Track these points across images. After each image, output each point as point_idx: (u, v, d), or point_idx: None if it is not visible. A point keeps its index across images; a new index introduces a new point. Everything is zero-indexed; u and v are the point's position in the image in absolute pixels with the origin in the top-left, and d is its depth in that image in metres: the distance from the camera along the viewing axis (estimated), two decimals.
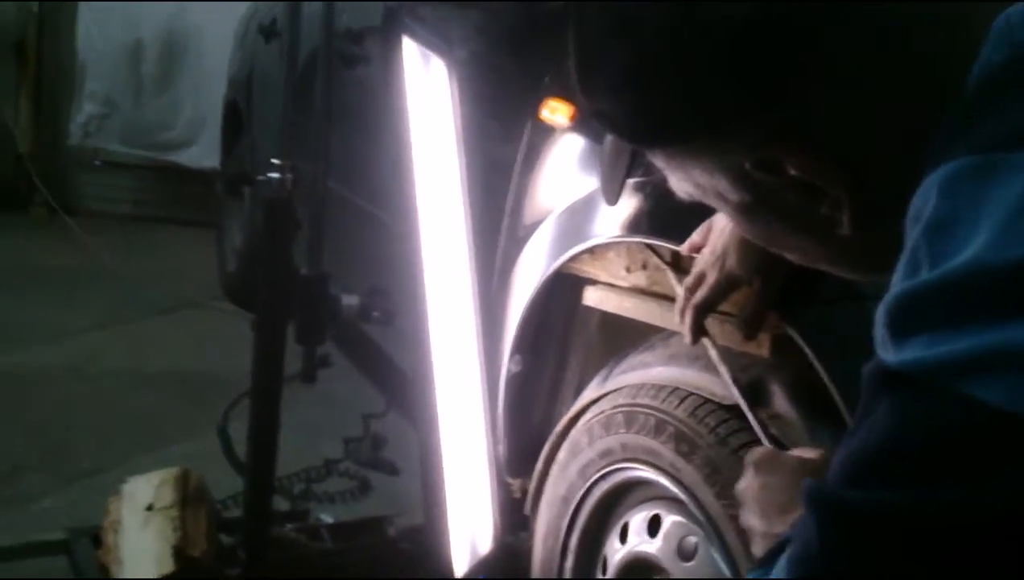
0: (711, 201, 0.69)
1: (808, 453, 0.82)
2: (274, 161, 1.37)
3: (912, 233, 0.54)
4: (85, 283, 3.88)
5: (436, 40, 1.49)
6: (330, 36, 1.51)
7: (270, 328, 1.44)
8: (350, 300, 1.49)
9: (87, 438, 2.53)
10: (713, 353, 1.08)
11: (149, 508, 1.64)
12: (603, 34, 0.64)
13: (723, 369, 1.08)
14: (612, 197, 0.79)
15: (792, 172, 0.61)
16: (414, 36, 1.43)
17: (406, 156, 1.45)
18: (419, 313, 1.47)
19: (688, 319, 1.06)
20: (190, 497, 1.69)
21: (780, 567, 0.55)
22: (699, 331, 1.07)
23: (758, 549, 0.78)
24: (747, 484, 0.82)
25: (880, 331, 0.53)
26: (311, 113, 1.63)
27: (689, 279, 1.06)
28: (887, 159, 0.60)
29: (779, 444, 1.07)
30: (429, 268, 1.50)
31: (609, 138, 0.76)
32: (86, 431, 2.57)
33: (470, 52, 1.59)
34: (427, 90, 1.50)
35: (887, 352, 0.52)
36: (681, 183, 0.69)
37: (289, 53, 1.42)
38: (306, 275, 1.46)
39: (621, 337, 1.54)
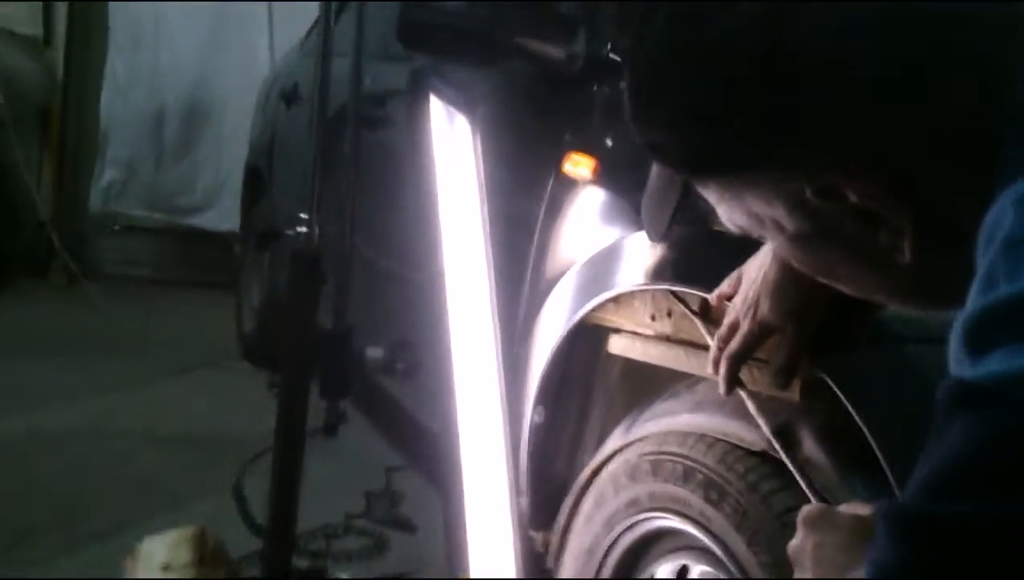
0: (765, 232, 0.69)
1: (861, 509, 0.79)
2: (302, 215, 1.39)
3: (987, 251, 0.54)
4: (103, 347, 3.90)
5: (460, 98, 1.53)
6: (359, 87, 1.54)
7: (294, 383, 1.45)
8: (374, 352, 1.49)
9: (102, 499, 2.51)
10: (750, 404, 1.08)
11: (165, 568, 1.63)
12: (660, 66, 0.65)
13: (761, 419, 1.07)
14: (658, 233, 0.79)
15: (853, 199, 0.61)
16: (440, 94, 1.47)
17: (433, 210, 1.47)
18: (444, 366, 1.48)
19: (723, 369, 1.06)
20: (207, 556, 1.68)
21: None
22: (734, 381, 1.07)
23: None
24: (801, 543, 0.79)
25: (956, 348, 0.53)
26: (337, 170, 1.66)
27: (722, 329, 1.06)
28: (951, 187, 0.60)
29: (811, 489, 1.07)
30: (454, 321, 1.51)
31: (656, 172, 0.76)
32: (101, 492, 2.56)
33: (492, 110, 1.63)
34: (452, 147, 1.53)
35: (964, 368, 0.52)
36: (734, 214, 0.69)
37: (318, 106, 1.45)
38: (331, 329, 1.47)
39: (643, 388, 1.54)
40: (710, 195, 0.70)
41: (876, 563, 0.53)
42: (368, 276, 2.00)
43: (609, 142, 1.48)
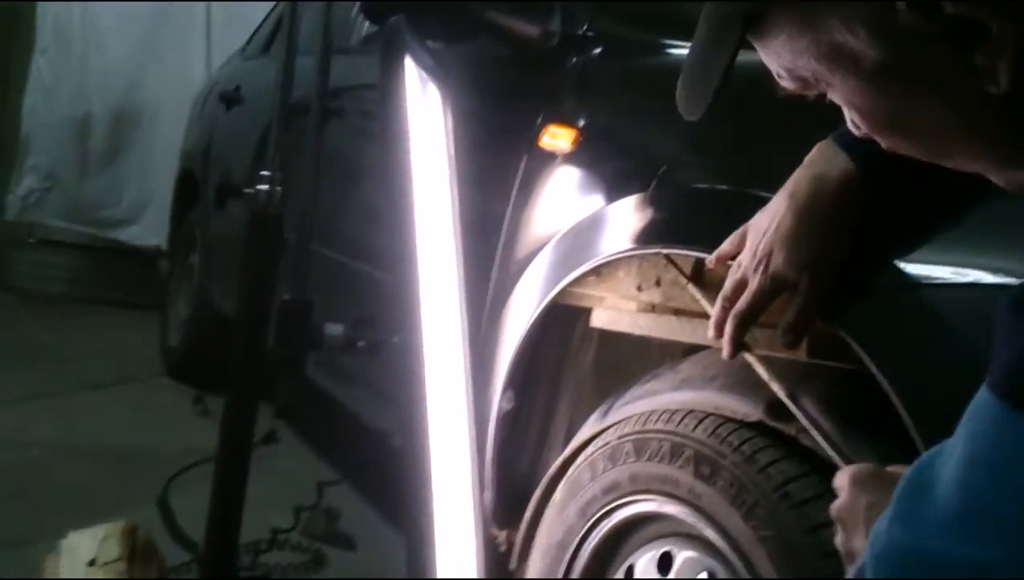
0: (835, 76, 0.62)
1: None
2: (263, 172, 1.29)
3: None
4: (14, 358, 3.67)
5: (433, 63, 1.46)
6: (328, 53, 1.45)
7: (248, 354, 1.33)
8: (334, 329, 1.39)
9: (14, 509, 2.33)
10: (759, 366, 1.01)
11: (92, 563, 1.48)
12: None
13: (774, 383, 1.00)
14: (700, 105, 0.69)
15: (950, 9, 0.55)
16: (414, 56, 1.40)
17: (401, 184, 1.39)
18: (408, 347, 1.39)
19: (729, 330, 0.99)
20: (138, 553, 1.53)
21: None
22: (739, 344, 1.00)
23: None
24: (849, 504, 0.74)
25: None
26: (295, 159, 1.56)
27: (727, 288, 0.99)
28: None
29: (811, 455, 1.01)
30: (419, 301, 1.42)
31: (702, 32, 0.69)
32: (13, 502, 2.37)
33: (463, 81, 1.56)
34: (423, 116, 1.46)
35: None
36: (800, 59, 0.62)
37: (286, 59, 1.36)
38: (289, 299, 1.37)
39: (615, 377, 1.47)
40: (778, 35, 0.63)
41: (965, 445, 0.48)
42: (327, 266, 1.90)
43: (588, 115, 1.42)
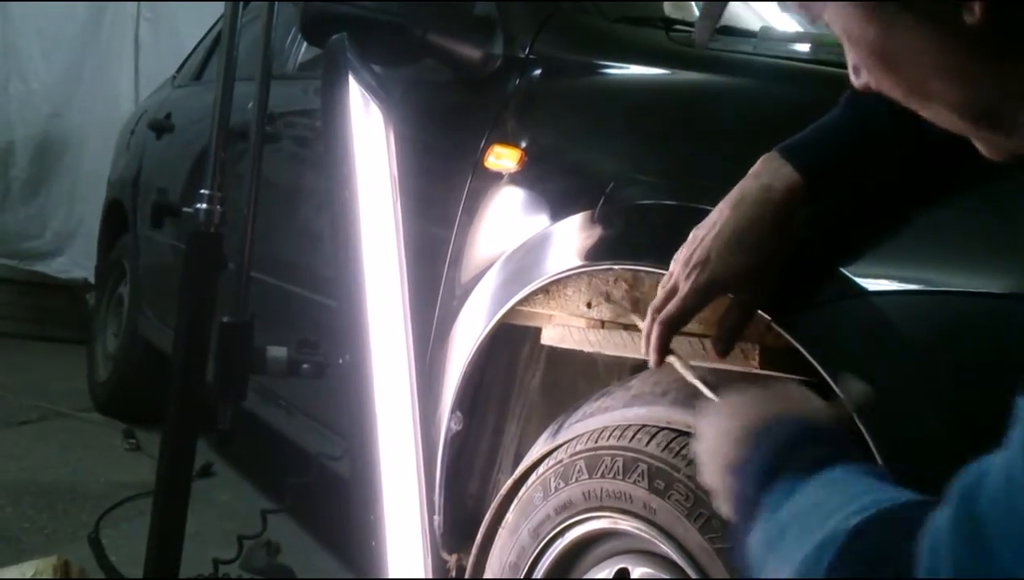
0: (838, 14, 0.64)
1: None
2: (202, 191, 1.26)
3: None
4: None
5: (375, 83, 1.45)
6: (268, 77, 1.43)
7: (188, 376, 1.29)
8: (277, 352, 1.36)
9: None
10: (686, 372, 0.98)
11: None
12: None
13: (698, 383, 0.99)
14: (707, 32, 0.73)
15: None
16: (357, 76, 1.39)
17: (345, 205, 1.37)
18: (353, 370, 1.36)
19: (654, 336, 0.97)
20: None
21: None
22: (665, 349, 0.98)
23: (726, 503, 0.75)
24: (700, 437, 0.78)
25: None
26: (233, 183, 1.53)
27: (657, 298, 0.98)
28: None
29: None
30: (365, 323, 1.40)
31: None
32: None
33: (405, 102, 1.56)
34: (366, 138, 1.44)
35: None
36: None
37: (224, 76, 1.33)
38: (229, 322, 1.33)
39: (563, 396, 1.47)
40: None
41: None
42: (266, 292, 1.86)
43: (532, 135, 1.43)
